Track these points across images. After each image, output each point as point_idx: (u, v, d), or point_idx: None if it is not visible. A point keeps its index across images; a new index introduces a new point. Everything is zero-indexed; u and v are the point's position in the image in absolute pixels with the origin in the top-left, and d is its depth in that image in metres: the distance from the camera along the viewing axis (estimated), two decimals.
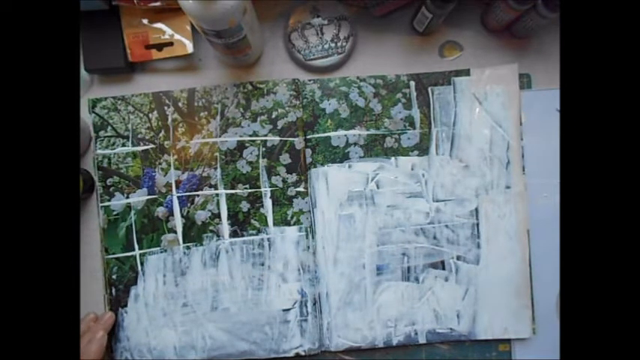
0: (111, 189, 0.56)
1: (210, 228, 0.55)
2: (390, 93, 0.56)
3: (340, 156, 0.56)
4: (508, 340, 0.56)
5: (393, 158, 0.56)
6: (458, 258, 0.55)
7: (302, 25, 0.56)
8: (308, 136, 0.56)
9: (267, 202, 0.55)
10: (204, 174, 0.56)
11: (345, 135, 0.56)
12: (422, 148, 0.56)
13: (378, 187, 0.55)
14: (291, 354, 0.54)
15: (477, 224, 0.55)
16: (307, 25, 0.56)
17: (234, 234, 0.55)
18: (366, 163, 0.56)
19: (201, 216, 0.55)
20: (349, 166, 0.56)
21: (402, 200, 0.55)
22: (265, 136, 0.56)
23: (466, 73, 0.56)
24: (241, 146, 0.56)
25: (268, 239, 0.55)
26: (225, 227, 0.55)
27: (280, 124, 0.56)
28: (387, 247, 0.55)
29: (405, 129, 0.56)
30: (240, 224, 0.55)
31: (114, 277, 0.55)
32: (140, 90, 0.57)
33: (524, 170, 0.56)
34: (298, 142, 0.55)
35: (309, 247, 0.55)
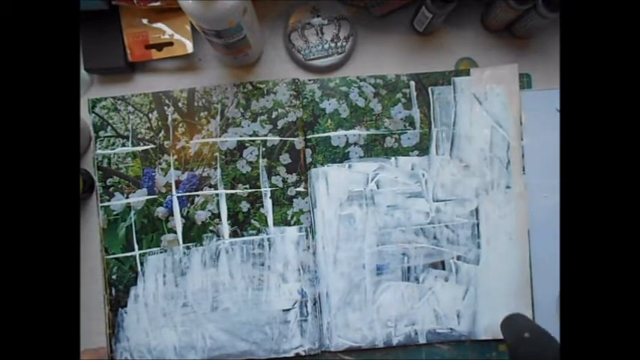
0: (111, 189, 0.56)
1: (210, 228, 0.55)
2: (390, 93, 0.56)
3: (340, 156, 0.56)
4: None
5: (393, 158, 0.56)
6: (458, 258, 0.55)
7: (302, 25, 0.56)
8: (308, 136, 0.56)
9: (267, 202, 0.55)
10: (204, 174, 0.56)
11: (345, 135, 0.56)
12: (422, 148, 0.56)
13: (378, 187, 0.55)
14: (291, 354, 0.54)
15: (477, 224, 0.55)
16: (307, 25, 0.56)
17: (234, 234, 0.55)
18: (366, 163, 0.56)
19: (201, 216, 0.55)
20: (349, 166, 0.56)
21: (402, 200, 0.55)
22: (265, 136, 0.56)
23: (466, 73, 0.56)
24: (241, 146, 0.56)
25: (268, 239, 0.55)
26: (225, 227, 0.55)
27: (280, 124, 0.56)
28: (387, 247, 0.55)
29: (405, 129, 0.56)
30: (240, 224, 0.55)
31: (114, 277, 0.55)
32: (140, 90, 0.57)
33: (524, 170, 0.56)
34: (298, 142, 0.55)
35: (309, 247, 0.55)
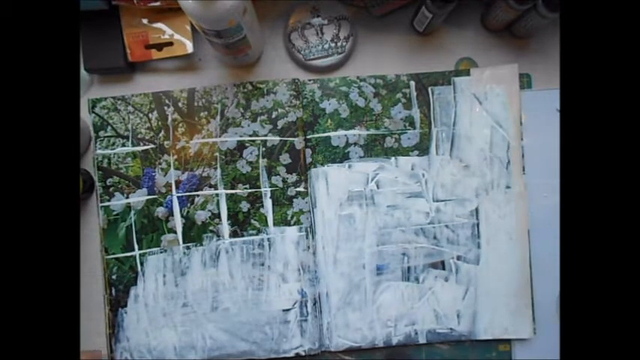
0: (111, 189, 0.56)
1: (210, 228, 0.55)
2: (390, 93, 0.56)
3: (340, 156, 0.56)
4: (508, 340, 0.56)
5: (393, 158, 0.56)
6: (458, 258, 0.55)
7: (302, 25, 0.56)
8: (308, 136, 0.56)
9: (267, 202, 0.55)
10: (204, 174, 0.56)
11: (345, 135, 0.56)
12: (422, 148, 0.56)
13: (378, 187, 0.55)
14: (291, 354, 0.54)
15: (477, 224, 0.55)
16: (307, 25, 0.56)
17: (234, 234, 0.55)
18: (366, 163, 0.56)
19: (201, 216, 0.55)
20: (349, 166, 0.56)
21: (402, 200, 0.55)
22: (265, 136, 0.56)
23: (466, 73, 0.56)
24: (241, 146, 0.56)
25: (268, 239, 0.55)
26: (225, 227, 0.55)
27: (280, 124, 0.56)
28: (387, 247, 0.55)
29: (405, 129, 0.56)
30: (240, 224, 0.55)
31: (114, 277, 0.55)
32: (140, 90, 0.57)
33: (524, 170, 0.56)
34: (298, 142, 0.55)
35: (309, 247, 0.55)
